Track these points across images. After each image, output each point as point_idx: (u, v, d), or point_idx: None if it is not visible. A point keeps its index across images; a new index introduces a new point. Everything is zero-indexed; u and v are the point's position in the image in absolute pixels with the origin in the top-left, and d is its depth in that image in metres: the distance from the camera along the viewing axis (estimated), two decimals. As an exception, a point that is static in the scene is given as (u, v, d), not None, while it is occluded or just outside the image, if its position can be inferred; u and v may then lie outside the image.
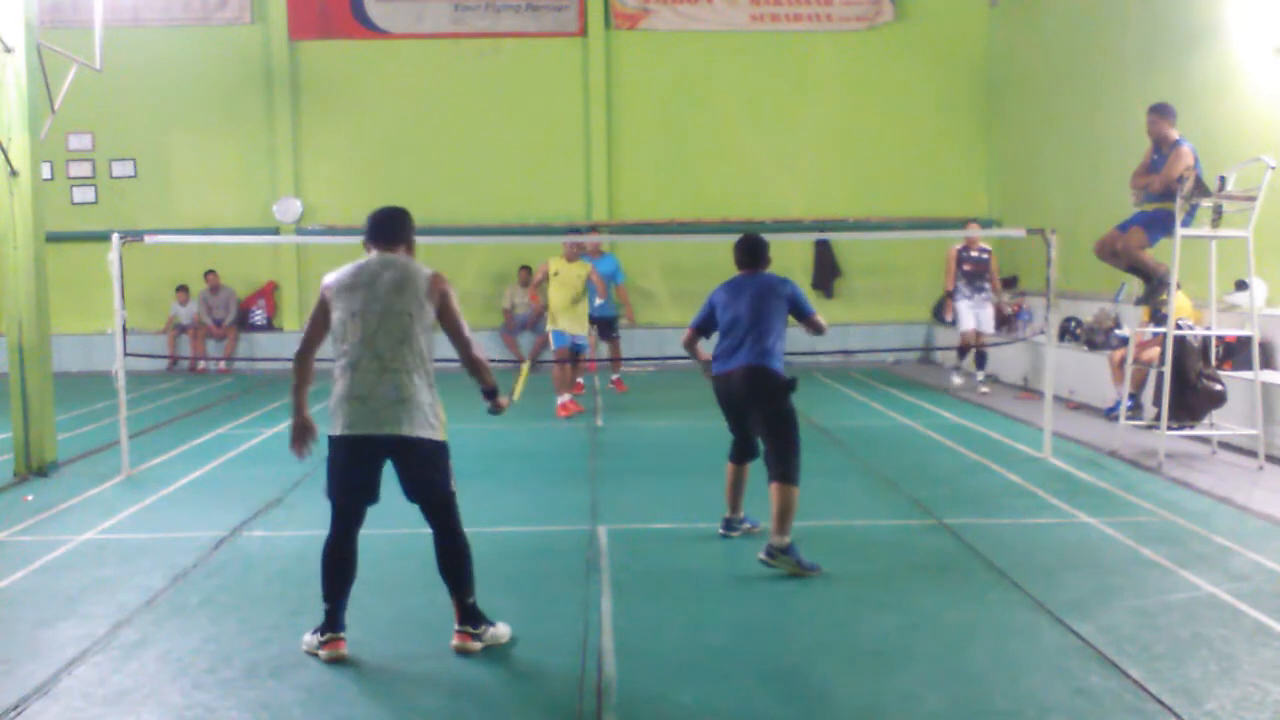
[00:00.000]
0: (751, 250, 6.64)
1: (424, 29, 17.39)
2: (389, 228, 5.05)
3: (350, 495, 4.89)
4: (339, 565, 4.90)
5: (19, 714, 4.31)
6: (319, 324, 4.95)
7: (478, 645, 4.90)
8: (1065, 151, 15.09)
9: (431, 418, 4.83)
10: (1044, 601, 5.45)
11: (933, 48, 17.65)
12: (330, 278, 4.96)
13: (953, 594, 5.65)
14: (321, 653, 4.82)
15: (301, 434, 4.93)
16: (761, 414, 6.25)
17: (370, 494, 4.92)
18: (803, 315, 6.61)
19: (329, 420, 4.87)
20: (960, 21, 17.66)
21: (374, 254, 4.98)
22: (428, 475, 4.87)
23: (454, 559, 4.92)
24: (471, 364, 5.00)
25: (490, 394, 5.08)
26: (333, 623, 4.86)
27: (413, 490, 4.92)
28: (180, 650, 4.94)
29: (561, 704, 4.37)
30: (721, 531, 6.77)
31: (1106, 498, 7.70)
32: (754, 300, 6.37)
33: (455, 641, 4.89)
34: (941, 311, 15.87)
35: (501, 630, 5.02)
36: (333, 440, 4.86)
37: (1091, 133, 14.09)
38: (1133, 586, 5.71)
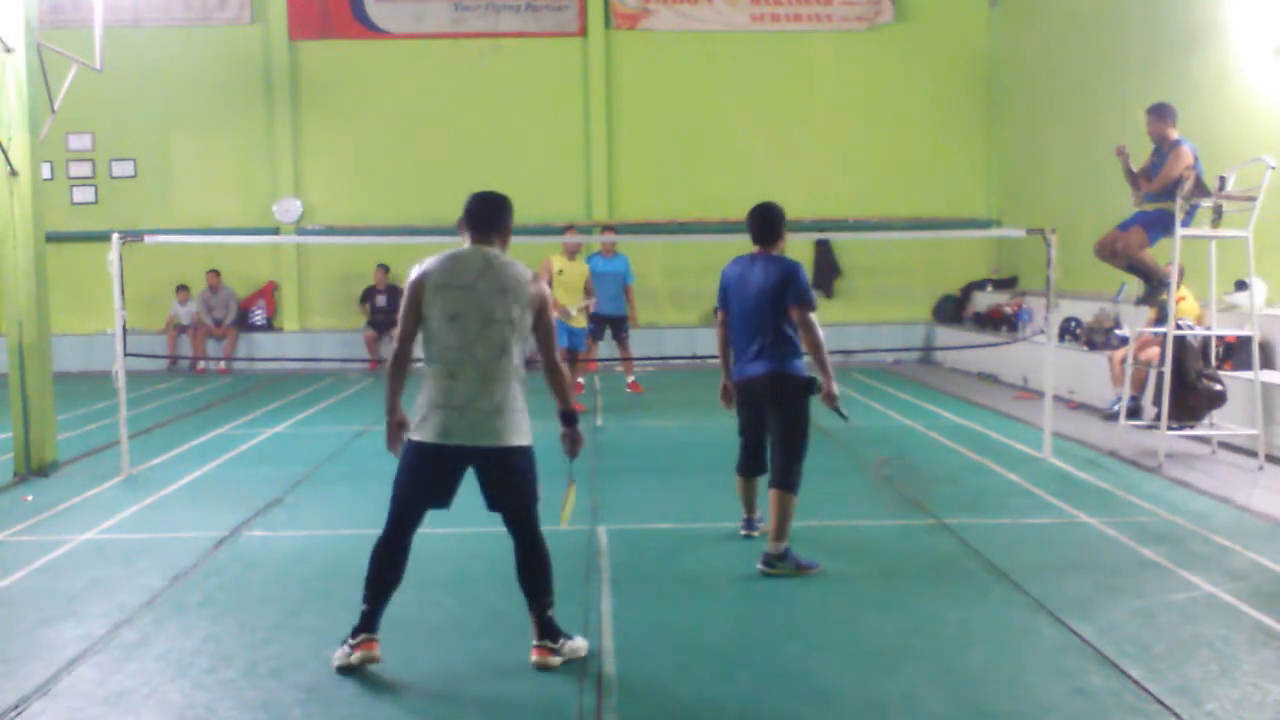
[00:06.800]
0: (761, 223, 6.21)
1: (424, 29, 17.39)
2: (487, 216, 4.71)
3: (422, 499, 4.68)
4: (388, 565, 4.66)
5: (19, 714, 4.31)
6: (413, 321, 4.62)
7: (558, 660, 4.67)
8: (1065, 151, 15.09)
9: (524, 425, 4.68)
10: (1044, 601, 5.45)
11: (933, 48, 17.66)
12: (423, 269, 4.62)
13: (953, 594, 5.65)
14: (354, 656, 4.61)
15: (398, 432, 4.70)
16: (778, 414, 6.11)
17: (445, 500, 4.71)
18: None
19: (415, 421, 4.63)
20: (960, 21, 17.68)
21: (468, 245, 4.68)
22: (517, 484, 4.71)
23: (536, 569, 4.75)
24: (554, 374, 4.77)
25: (568, 419, 4.81)
26: (368, 623, 4.65)
27: (499, 500, 4.73)
28: (180, 650, 4.93)
29: (561, 703, 4.36)
30: (743, 532, 6.65)
31: (1106, 498, 7.70)
32: (765, 295, 6.05)
33: (534, 657, 4.68)
34: None
35: (579, 644, 4.81)
36: (416, 445, 4.61)
37: (1091, 133, 14.07)
38: (1133, 586, 5.71)
